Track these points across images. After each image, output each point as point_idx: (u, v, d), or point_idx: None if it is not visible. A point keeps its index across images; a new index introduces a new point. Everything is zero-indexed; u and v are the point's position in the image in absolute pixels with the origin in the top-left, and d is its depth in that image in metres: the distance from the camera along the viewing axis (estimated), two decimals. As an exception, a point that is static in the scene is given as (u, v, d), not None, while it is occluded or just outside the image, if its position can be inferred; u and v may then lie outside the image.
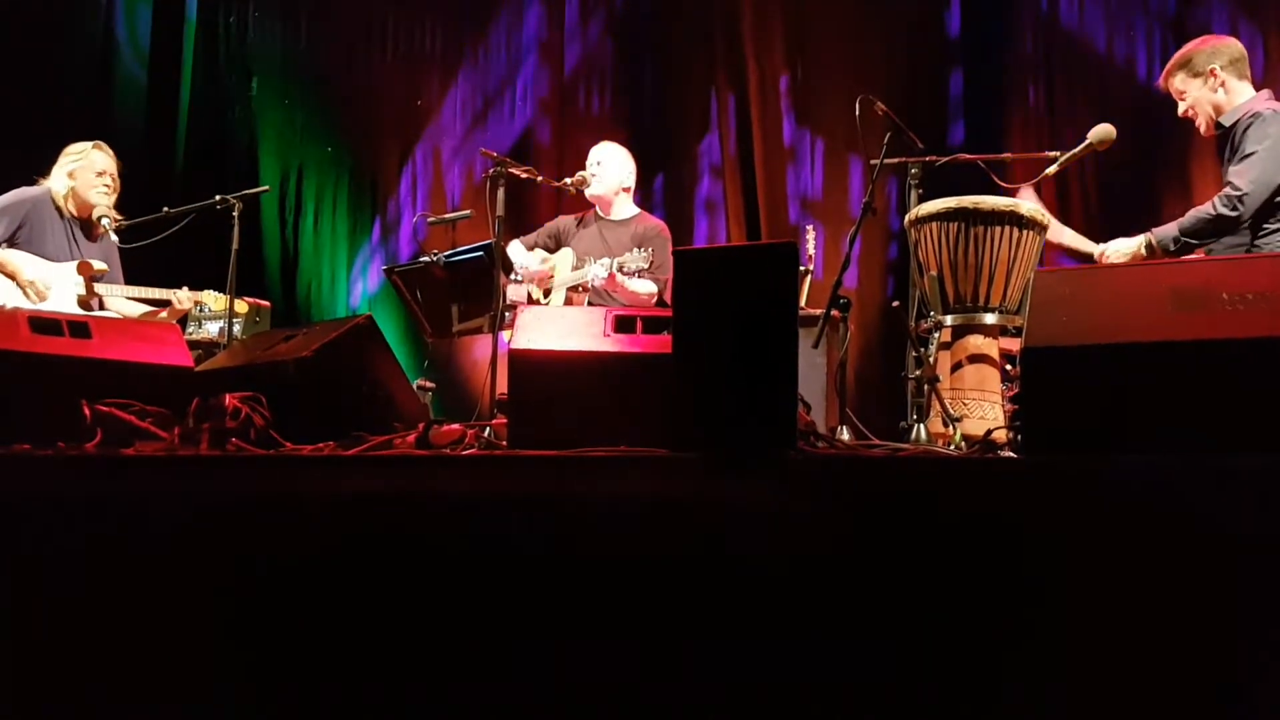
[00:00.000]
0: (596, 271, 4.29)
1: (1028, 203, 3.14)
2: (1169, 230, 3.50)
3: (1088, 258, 3.68)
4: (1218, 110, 3.60)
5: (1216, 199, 3.41)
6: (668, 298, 4.38)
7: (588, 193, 4.72)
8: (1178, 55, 3.70)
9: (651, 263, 4.19)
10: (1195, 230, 3.45)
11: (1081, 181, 5.45)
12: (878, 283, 5.86)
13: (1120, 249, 3.59)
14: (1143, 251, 3.53)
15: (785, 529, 1.72)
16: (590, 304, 4.49)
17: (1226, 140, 3.58)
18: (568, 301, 4.55)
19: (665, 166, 6.38)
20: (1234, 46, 3.65)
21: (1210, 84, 3.59)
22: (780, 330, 1.88)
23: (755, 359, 1.86)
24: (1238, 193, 3.36)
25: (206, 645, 1.91)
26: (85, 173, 4.37)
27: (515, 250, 4.76)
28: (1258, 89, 3.62)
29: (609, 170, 4.70)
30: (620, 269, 4.20)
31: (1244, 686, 1.51)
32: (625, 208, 4.77)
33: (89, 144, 4.45)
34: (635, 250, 4.22)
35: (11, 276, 4.19)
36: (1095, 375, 1.76)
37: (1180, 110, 3.71)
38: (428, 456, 2.20)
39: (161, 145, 6.76)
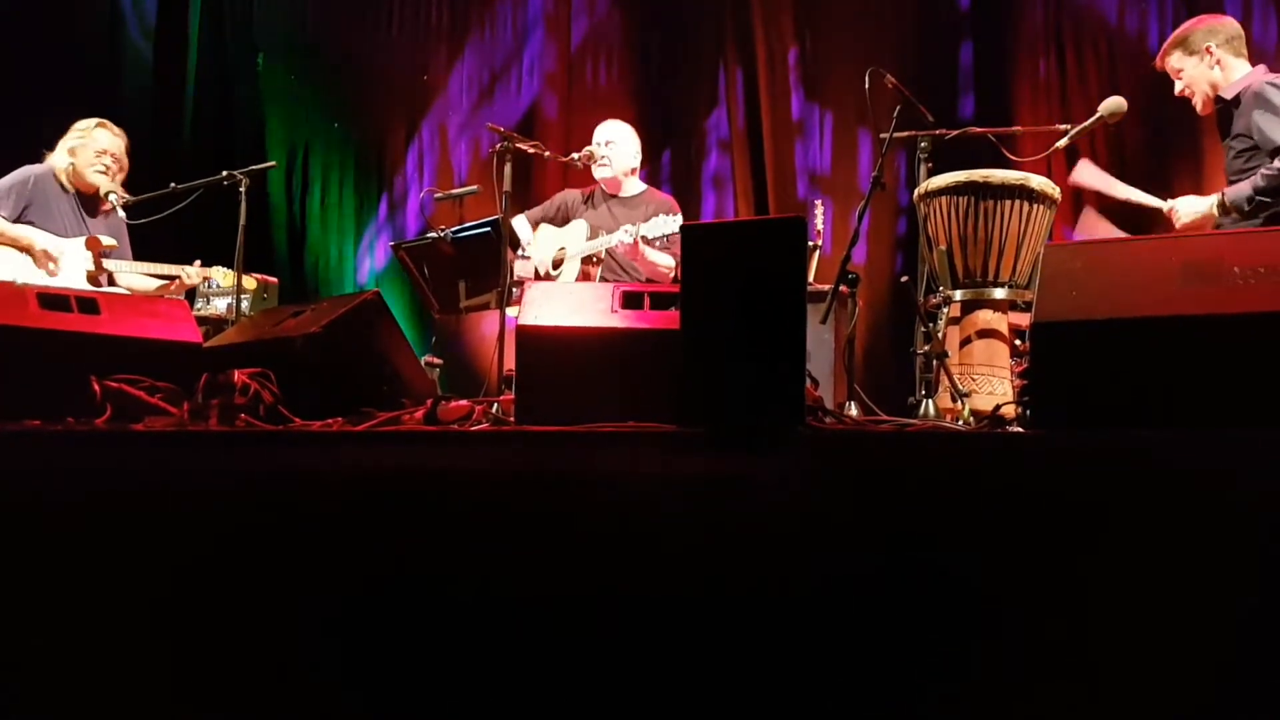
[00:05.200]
0: (620, 237, 4.26)
1: (1038, 176, 3.12)
2: (1243, 190, 3.40)
3: (1152, 211, 3.63)
4: (1215, 88, 3.59)
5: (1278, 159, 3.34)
6: (680, 274, 4.37)
7: (597, 175, 4.70)
8: (1174, 34, 3.70)
9: (669, 237, 4.17)
10: (1271, 189, 3.34)
11: (1092, 154, 5.40)
12: (886, 258, 5.83)
13: (1193, 208, 3.52)
14: (1214, 211, 3.46)
15: (793, 505, 1.72)
16: (604, 278, 4.47)
17: (1229, 115, 3.56)
18: (583, 274, 4.52)
19: (673, 141, 6.34)
20: (1230, 25, 3.65)
21: (1207, 62, 3.58)
22: (788, 306, 1.87)
23: (763, 334, 1.85)
24: None
25: (215, 622, 1.92)
26: (85, 151, 4.36)
27: (521, 228, 4.74)
28: (1270, 65, 3.59)
29: (618, 153, 4.68)
30: (644, 237, 4.17)
31: (1257, 663, 1.51)
32: (633, 186, 4.77)
33: (93, 121, 4.43)
34: (661, 217, 4.18)
35: (26, 250, 4.19)
36: (1105, 350, 1.75)
37: (1177, 89, 3.71)
38: (435, 432, 2.20)
39: (168, 121, 6.74)
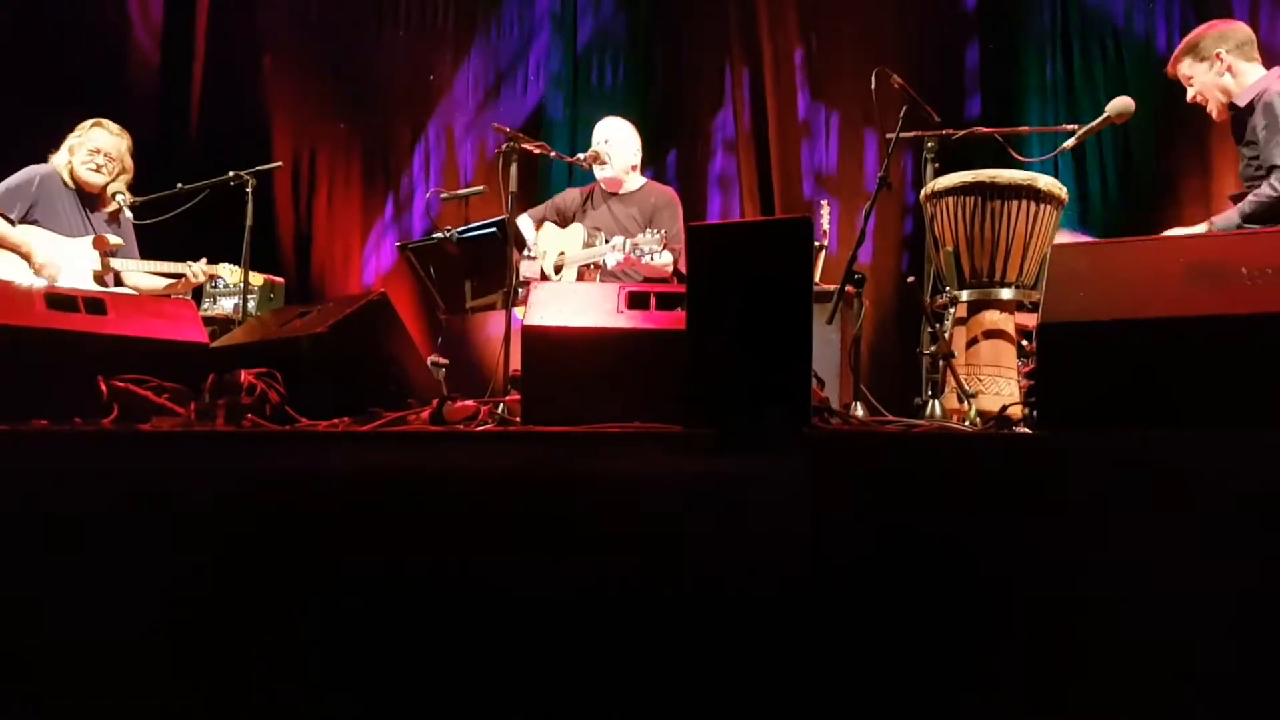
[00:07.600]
0: (611, 255, 4.28)
1: (1045, 176, 3.11)
2: (1230, 218, 3.42)
3: None
4: (1227, 94, 3.57)
5: (1274, 179, 3.33)
6: (682, 266, 4.38)
7: (599, 176, 4.72)
8: (1184, 41, 3.69)
9: (665, 233, 4.18)
10: (1258, 215, 3.36)
11: (1099, 155, 5.41)
12: (893, 258, 5.83)
13: None
14: None
15: (798, 505, 1.71)
16: (603, 279, 4.49)
17: (1243, 121, 3.54)
18: (580, 278, 4.55)
19: (679, 142, 6.35)
20: (1241, 30, 3.62)
21: (1217, 69, 3.56)
22: (794, 306, 1.87)
23: (769, 335, 1.85)
24: None
25: (219, 622, 1.93)
26: (80, 149, 4.42)
27: (524, 226, 4.76)
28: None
29: (617, 152, 4.70)
30: (635, 249, 4.19)
31: (1261, 663, 1.50)
32: (633, 182, 4.78)
33: (92, 121, 4.48)
34: (648, 232, 4.20)
35: (26, 257, 4.20)
36: (1112, 350, 1.75)
37: (1189, 96, 3.69)
38: (442, 433, 2.20)
39: (175, 122, 6.75)
